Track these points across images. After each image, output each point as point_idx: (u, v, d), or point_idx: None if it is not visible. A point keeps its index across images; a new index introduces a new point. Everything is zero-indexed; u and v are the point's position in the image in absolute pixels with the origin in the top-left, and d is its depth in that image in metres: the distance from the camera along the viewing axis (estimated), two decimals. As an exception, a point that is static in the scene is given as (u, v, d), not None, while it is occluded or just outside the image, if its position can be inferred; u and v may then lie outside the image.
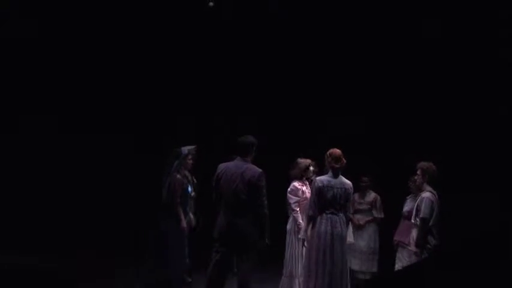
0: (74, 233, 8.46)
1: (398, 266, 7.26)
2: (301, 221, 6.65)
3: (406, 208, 7.41)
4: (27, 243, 7.95)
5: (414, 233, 6.25)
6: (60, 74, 9.60)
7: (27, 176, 9.11)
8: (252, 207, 5.51)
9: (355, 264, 7.73)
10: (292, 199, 6.85)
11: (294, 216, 6.81)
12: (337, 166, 5.89)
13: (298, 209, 6.77)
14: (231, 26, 9.38)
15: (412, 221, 6.36)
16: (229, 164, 5.69)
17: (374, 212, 7.97)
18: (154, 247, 6.56)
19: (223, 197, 5.61)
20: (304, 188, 6.91)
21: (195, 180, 7.11)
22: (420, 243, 6.13)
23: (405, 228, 7.28)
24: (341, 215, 5.84)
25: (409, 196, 7.46)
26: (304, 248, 6.56)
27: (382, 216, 8.02)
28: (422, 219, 6.10)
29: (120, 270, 7.41)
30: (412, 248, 6.31)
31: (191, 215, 6.95)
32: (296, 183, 6.94)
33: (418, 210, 6.21)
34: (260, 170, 5.57)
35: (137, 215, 7.43)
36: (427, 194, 6.18)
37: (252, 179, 5.49)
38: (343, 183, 5.89)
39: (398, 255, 7.32)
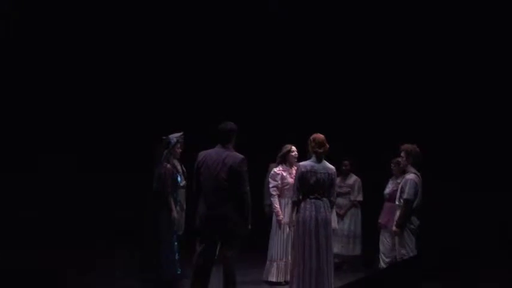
0: (71, 232, 8.39)
1: (381, 248, 7.28)
2: (276, 205, 6.79)
3: (387, 190, 7.41)
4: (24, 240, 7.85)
5: (398, 214, 6.25)
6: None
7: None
8: (234, 194, 5.43)
9: (335, 247, 7.63)
10: (270, 183, 6.94)
11: (271, 201, 6.91)
12: (320, 151, 5.80)
13: (275, 193, 6.86)
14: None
15: (396, 202, 6.35)
16: (210, 152, 5.58)
17: (351, 195, 7.93)
18: (146, 238, 6.44)
19: (203, 185, 5.51)
20: (285, 173, 6.91)
21: (184, 169, 6.99)
22: (401, 223, 6.13)
23: (387, 210, 7.30)
24: (325, 199, 5.76)
25: (391, 178, 7.46)
26: (285, 233, 6.72)
27: (361, 199, 7.98)
28: (406, 201, 6.09)
29: (118, 265, 7.28)
30: (393, 228, 6.31)
31: (181, 205, 6.91)
32: (276, 168, 7.00)
33: (402, 191, 6.20)
34: (242, 156, 5.48)
35: (134, 211, 7.28)
36: (411, 176, 6.17)
37: (234, 165, 5.39)
38: (327, 168, 5.82)
39: (381, 237, 7.34)
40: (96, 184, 9.30)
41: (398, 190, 6.33)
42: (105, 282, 6.45)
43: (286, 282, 6.64)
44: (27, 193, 8.87)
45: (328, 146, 5.84)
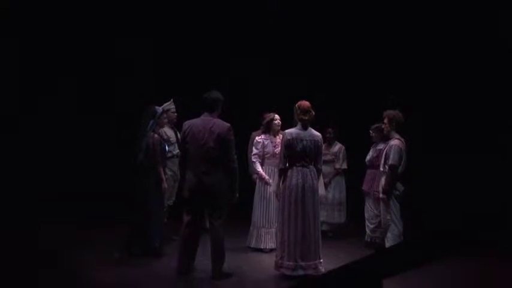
0: (54, 204, 8.33)
1: (366, 215, 7.34)
2: (259, 169, 6.89)
3: (368, 157, 7.44)
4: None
5: (384, 181, 6.29)
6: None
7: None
8: (221, 162, 5.42)
9: (321, 215, 7.67)
10: (252, 151, 7.03)
11: (253, 168, 7.03)
12: (305, 118, 5.75)
13: (256, 160, 6.94)
14: None
15: (381, 168, 6.39)
16: (196, 121, 5.57)
17: (336, 163, 7.95)
18: (133, 209, 6.37)
19: (190, 154, 5.50)
20: (266, 141, 6.97)
21: (179, 137, 6.91)
22: (388, 189, 6.17)
23: (369, 177, 7.34)
24: (311, 167, 5.73)
25: (372, 145, 7.49)
26: (267, 201, 6.84)
27: (345, 167, 7.99)
28: (391, 167, 6.13)
29: (101, 237, 7.24)
30: (380, 195, 6.35)
31: (175, 175, 6.89)
32: (258, 137, 7.08)
33: (386, 157, 6.23)
34: (228, 124, 5.49)
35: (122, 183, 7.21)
36: (395, 142, 6.20)
37: (222, 134, 5.41)
38: (313, 135, 5.77)
39: (366, 204, 7.39)
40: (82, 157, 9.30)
41: (383, 156, 6.36)
42: (94, 255, 6.38)
43: (270, 250, 6.74)
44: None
45: (313, 113, 5.80)
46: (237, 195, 5.58)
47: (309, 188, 5.67)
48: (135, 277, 5.60)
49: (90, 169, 9.05)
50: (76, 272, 5.75)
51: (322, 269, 5.71)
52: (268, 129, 7.02)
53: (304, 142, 5.71)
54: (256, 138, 7.08)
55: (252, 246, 6.93)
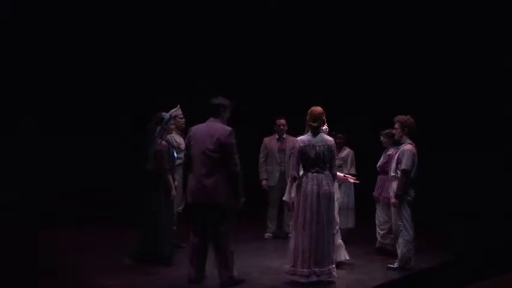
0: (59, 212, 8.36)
1: (377, 221, 7.28)
2: None
3: (378, 163, 7.38)
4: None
5: (395, 186, 6.23)
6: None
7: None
8: (222, 166, 5.38)
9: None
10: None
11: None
12: (314, 125, 5.69)
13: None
14: None
15: (392, 173, 6.33)
16: (200, 125, 5.57)
17: (344, 168, 7.89)
18: (143, 217, 6.30)
19: (193, 159, 5.46)
20: None
21: None
22: (400, 194, 6.12)
23: (380, 183, 7.28)
24: (327, 172, 5.67)
25: (384, 151, 7.43)
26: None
27: (354, 172, 7.92)
28: (404, 171, 6.08)
29: (108, 244, 7.20)
30: (392, 200, 6.29)
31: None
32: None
33: (398, 162, 6.18)
34: (230, 128, 5.45)
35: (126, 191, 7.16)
36: (408, 146, 6.16)
37: (221, 138, 5.37)
38: (325, 140, 5.70)
39: (377, 211, 7.33)
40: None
41: (394, 161, 6.31)
42: (104, 263, 6.32)
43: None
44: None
45: (324, 119, 5.76)
46: (243, 199, 5.51)
47: (325, 194, 5.61)
48: (146, 285, 5.55)
49: (98, 175, 9.02)
50: (85, 279, 5.70)
51: (336, 274, 5.69)
52: None
53: (317, 148, 5.64)
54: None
55: None
